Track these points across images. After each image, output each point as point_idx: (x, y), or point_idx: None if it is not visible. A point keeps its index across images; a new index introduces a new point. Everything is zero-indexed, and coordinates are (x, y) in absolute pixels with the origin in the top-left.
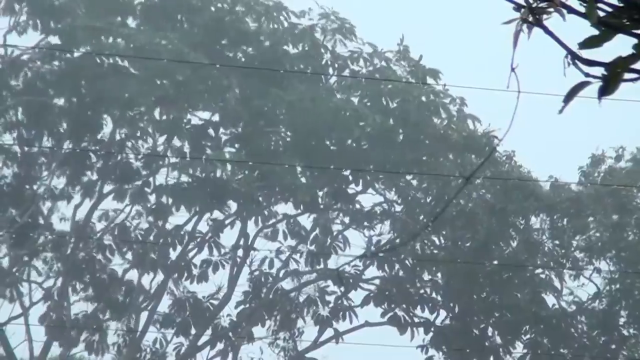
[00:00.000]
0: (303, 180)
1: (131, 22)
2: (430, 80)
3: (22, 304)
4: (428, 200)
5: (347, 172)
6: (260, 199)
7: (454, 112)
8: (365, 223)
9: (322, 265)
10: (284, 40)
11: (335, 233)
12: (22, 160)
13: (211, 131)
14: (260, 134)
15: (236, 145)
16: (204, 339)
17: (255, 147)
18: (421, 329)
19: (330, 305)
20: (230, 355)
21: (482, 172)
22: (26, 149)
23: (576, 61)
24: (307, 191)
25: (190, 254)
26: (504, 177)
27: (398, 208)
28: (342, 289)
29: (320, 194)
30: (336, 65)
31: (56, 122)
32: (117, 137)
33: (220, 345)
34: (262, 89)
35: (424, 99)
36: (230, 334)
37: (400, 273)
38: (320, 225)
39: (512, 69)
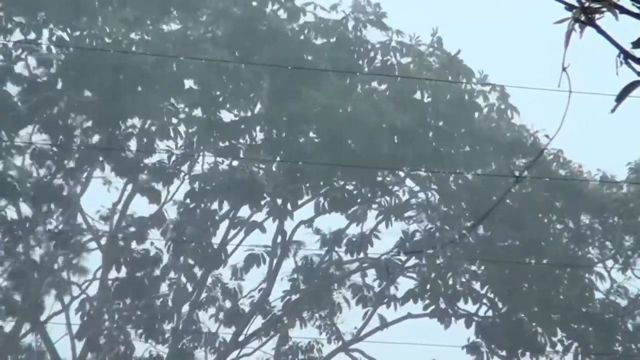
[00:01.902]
0: (336, 181)
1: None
2: (463, 78)
3: (62, 301)
4: (476, 198)
5: (382, 169)
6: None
7: (494, 105)
8: (404, 215)
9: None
10: (312, 36)
11: (373, 224)
12: (57, 159)
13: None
14: (291, 133)
15: (267, 145)
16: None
17: (286, 147)
18: (462, 322)
19: (372, 294)
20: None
21: (531, 171)
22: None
23: (629, 60)
24: (342, 188)
25: (232, 244)
26: (552, 175)
27: (435, 200)
28: (386, 280)
29: (355, 188)
30: (371, 55)
31: (85, 119)
32: (148, 134)
33: (264, 337)
34: (290, 86)
35: (463, 93)
36: (278, 323)
37: (442, 266)
38: (358, 219)
39: (564, 69)
